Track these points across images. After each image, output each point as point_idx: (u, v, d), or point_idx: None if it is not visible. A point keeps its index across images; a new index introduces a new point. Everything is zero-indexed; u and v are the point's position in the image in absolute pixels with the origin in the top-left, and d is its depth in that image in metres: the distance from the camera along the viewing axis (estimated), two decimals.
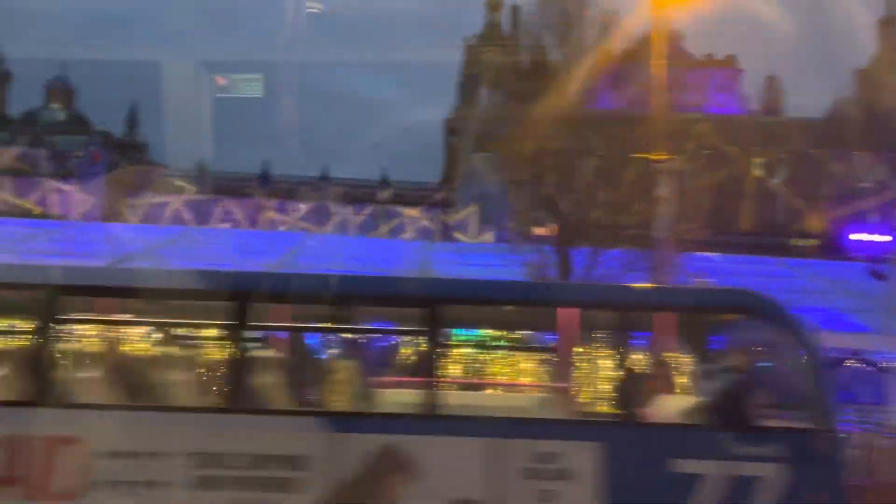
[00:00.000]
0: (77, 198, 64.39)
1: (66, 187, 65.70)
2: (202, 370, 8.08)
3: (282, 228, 64.67)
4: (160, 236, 28.15)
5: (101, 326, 7.98)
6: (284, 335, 8.48)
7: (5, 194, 64.13)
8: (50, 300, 7.00)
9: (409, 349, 9.62)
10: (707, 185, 27.73)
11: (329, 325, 8.10)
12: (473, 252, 28.20)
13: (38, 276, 7.56)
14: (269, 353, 7.88)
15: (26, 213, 62.21)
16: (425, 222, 67.19)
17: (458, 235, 58.48)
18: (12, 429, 6.55)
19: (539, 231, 58.41)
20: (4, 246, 22.53)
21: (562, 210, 22.62)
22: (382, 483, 6.48)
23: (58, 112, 70.44)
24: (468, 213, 60.79)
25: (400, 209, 68.43)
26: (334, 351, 8.69)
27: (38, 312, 7.02)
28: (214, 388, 7.60)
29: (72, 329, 7.91)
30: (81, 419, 6.61)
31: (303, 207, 67.08)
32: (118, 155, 70.09)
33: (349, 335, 8.37)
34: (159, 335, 8.35)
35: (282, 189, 70.68)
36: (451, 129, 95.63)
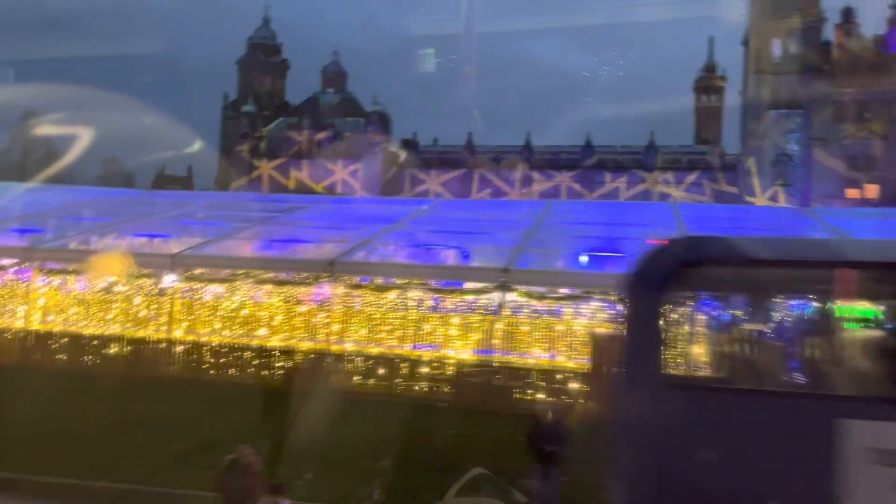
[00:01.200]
0: (360, 176, 68.88)
1: (335, 167, 70.52)
2: None
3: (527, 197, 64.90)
4: (520, 210, 28.52)
5: None
6: None
7: (301, 175, 69.97)
8: None
9: None
10: None
11: None
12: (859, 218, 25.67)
13: None
14: None
15: (309, 192, 67.42)
16: (686, 188, 64.25)
17: (749, 199, 55.25)
18: None
19: (852, 193, 53.60)
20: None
21: None
22: None
23: (333, 96, 75.26)
24: (751, 172, 57.26)
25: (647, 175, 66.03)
26: None
27: None
28: None
29: None
30: None
31: (566, 176, 66.79)
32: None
33: None
34: None
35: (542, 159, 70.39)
36: (707, 89, 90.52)
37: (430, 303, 19.16)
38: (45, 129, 79.57)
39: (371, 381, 18.44)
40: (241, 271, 20.61)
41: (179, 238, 22.88)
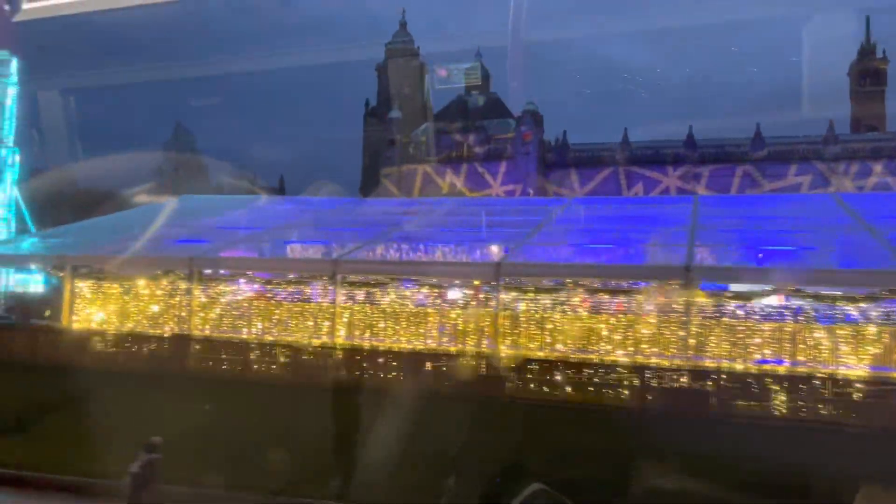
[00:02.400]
0: (516, 176, 67.13)
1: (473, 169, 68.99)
2: None
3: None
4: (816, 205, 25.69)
5: None
6: None
7: (456, 180, 68.80)
8: None
9: None
10: None
11: None
12: None
13: None
14: None
15: (457, 194, 66.11)
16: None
17: None
18: None
19: None
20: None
21: None
22: None
23: (478, 97, 73.83)
24: None
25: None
26: None
27: None
28: None
29: None
30: None
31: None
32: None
33: None
34: None
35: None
36: (865, 73, 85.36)
37: (810, 311, 16.85)
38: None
39: (756, 404, 16.29)
40: (569, 280, 18.86)
41: (480, 246, 21.42)
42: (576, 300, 18.59)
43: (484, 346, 19.07)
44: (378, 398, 17.63)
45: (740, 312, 17.28)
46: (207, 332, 21.17)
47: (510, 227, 23.33)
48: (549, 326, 18.76)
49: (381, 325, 20.02)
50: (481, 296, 19.32)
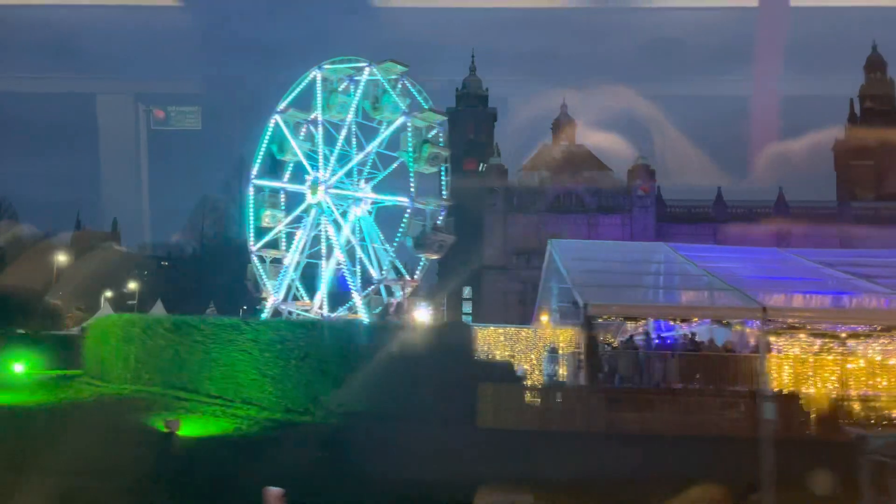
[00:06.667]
0: (633, 230, 67.51)
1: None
2: None
3: None
4: None
5: None
6: None
7: (569, 231, 67.89)
8: None
9: None
10: None
11: None
12: None
13: None
14: None
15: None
16: None
17: None
18: None
19: None
20: None
21: None
22: None
23: (569, 147, 73.98)
24: None
25: None
26: None
27: None
28: None
29: None
30: None
31: None
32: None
33: None
34: None
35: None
36: None
37: None
38: None
39: None
40: None
41: None
42: None
43: None
44: None
45: None
46: None
47: None
48: None
49: None
50: None
